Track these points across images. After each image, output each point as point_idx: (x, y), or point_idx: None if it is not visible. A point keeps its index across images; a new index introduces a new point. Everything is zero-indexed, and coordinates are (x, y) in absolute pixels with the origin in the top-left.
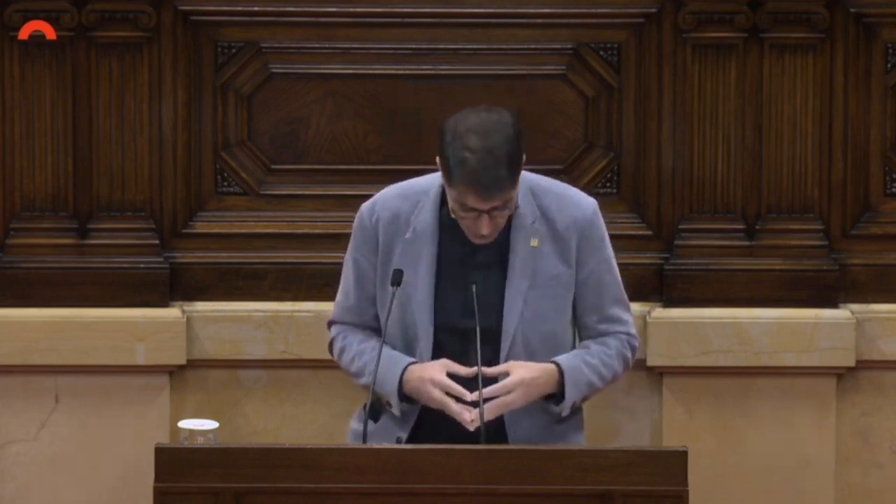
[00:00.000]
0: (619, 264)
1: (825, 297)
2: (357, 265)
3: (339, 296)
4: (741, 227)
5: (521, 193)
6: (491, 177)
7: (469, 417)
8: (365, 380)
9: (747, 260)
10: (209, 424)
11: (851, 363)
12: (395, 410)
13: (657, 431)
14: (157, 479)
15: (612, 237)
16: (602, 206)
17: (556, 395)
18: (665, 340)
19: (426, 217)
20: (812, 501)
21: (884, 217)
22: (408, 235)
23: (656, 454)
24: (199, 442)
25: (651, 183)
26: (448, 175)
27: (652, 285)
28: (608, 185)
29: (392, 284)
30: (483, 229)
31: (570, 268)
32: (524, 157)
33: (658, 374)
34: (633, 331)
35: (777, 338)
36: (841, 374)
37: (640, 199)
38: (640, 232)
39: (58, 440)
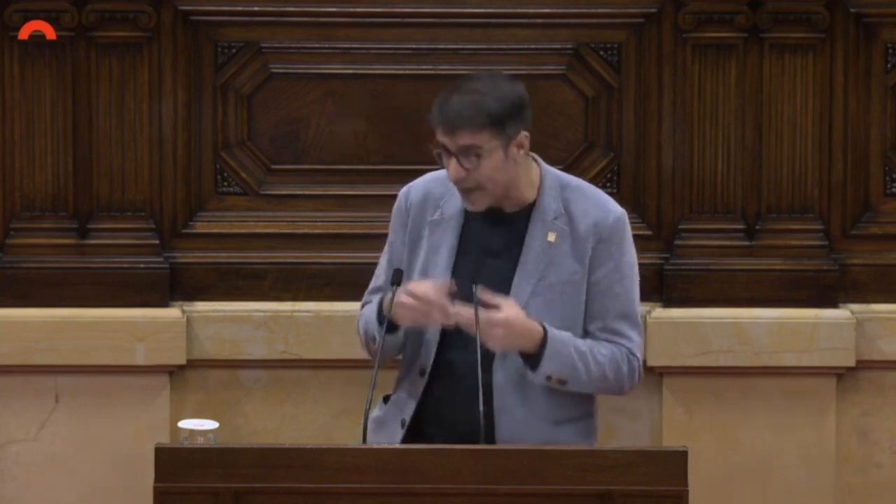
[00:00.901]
0: None
1: (825, 297)
2: (391, 247)
3: (372, 279)
4: (741, 227)
5: (549, 189)
6: (462, 113)
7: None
8: (362, 329)
9: (747, 260)
10: (209, 424)
11: (851, 363)
12: (378, 336)
13: (657, 431)
14: (157, 479)
15: None
16: None
17: (534, 358)
18: (665, 340)
19: (454, 202)
20: (812, 501)
21: (884, 217)
22: (435, 216)
23: (656, 454)
24: (199, 442)
25: (651, 183)
26: (431, 117)
27: (652, 285)
28: (608, 185)
29: (392, 284)
30: (450, 171)
31: (583, 268)
32: (523, 130)
33: (658, 374)
34: (637, 351)
35: (777, 338)
36: (841, 374)
37: (640, 199)
38: (640, 232)
39: (58, 440)
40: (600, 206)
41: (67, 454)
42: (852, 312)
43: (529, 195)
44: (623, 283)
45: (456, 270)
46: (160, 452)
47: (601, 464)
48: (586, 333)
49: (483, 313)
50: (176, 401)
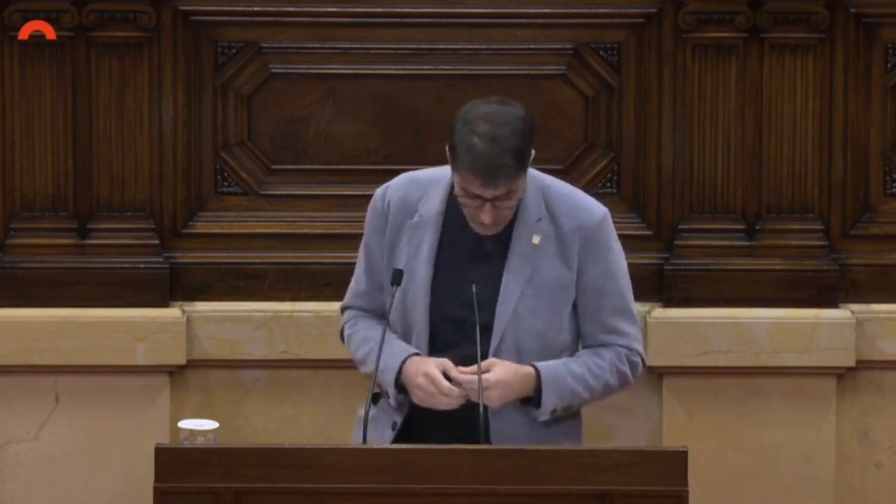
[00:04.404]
0: None
1: (825, 297)
2: (368, 250)
3: (352, 280)
4: (741, 227)
5: (532, 191)
6: (496, 164)
7: (454, 395)
8: (367, 368)
9: (747, 260)
10: (209, 424)
11: (851, 363)
12: (392, 401)
13: (657, 431)
14: (157, 479)
15: None
16: None
17: (535, 400)
18: (665, 340)
19: (433, 204)
20: (812, 501)
21: (884, 217)
22: (414, 220)
23: (656, 454)
24: (199, 442)
25: (651, 183)
26: (455, 160)
27: (652, 285)
28: (608, 185)
29: (392, 284)
30: (485, 217)
31: (570, 271)
32: (533, 152)
33: (658, 375)
34: (636, 345)
35: (777, 338)
36: (841, 374)
37: (640, 199)
38: (640, 232)
39: (58, 440)
40: (583, 207)
41: (67, 454)
42: (852, 312)
43: None
44: (614, 280)
45: (438, 275)
46: (160, 452)
47: (601, 464)
48: (584, 335)
49: (474, 380)
50: (176, 401)
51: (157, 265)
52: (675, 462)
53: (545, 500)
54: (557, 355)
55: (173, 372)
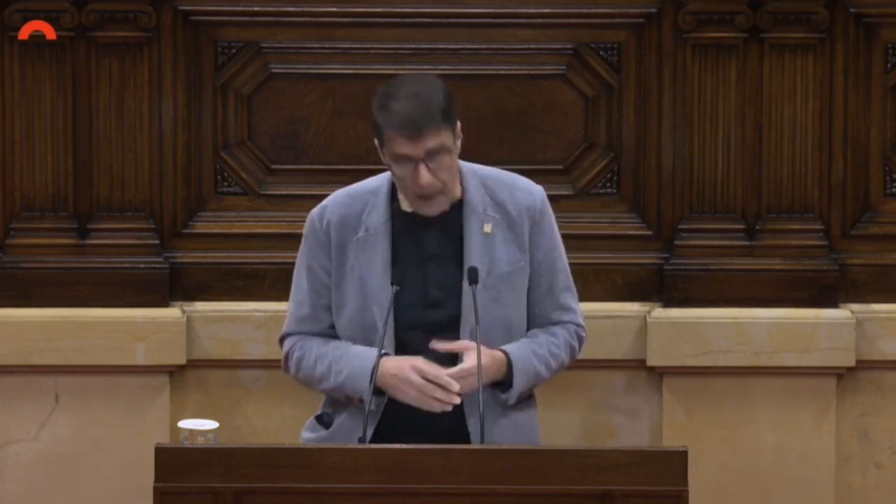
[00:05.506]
0: (618, 264)
1: (825, 297)
2: (311, 273)
3: (290, 307)
4: (741, 227)
5: (472, 182)
6: (419, 115)
7: (454, 389)
8: (332, 381)
9: (747, 260)
10: (209, 424)
11: (851, 363)
12: (371, 405)
13: (657, 431)
14: (157, 479)
15: (611, 237)
16: (602, 206)
17: (504, 384)
18: (665, 340)
19: (377, 215)
20: (812, 501)
21: (884, 217)
22: (360, 235)
23: (656, 454)
24: (199, 442)
25: (651, 183)
26: (379, 131)
27: (652, 285)
28: (608, 185)
29: (392, 284)
30: (422, 179)
31: (523, 253)
32: (458, 122)
33: (658, 374)
34: (581, 321)
35: (777, 338)
36: (841, 374)
37: (640, 199)
38: (640, 232)
39: (58, 440)
40: (524, 189)
41: (67, 454)
42: (852, 312)
43: (457, 191)
44: (561, 258)
45: (396, 282)
46: (160, 452)
47: (601, 464)
48: (534, 315)
49: (447, 370)
50: (176, 401)
51: (157, 265)
52: (675, 462)
53: (545, 500)
54: (519, 337)
55: (173, 372)
